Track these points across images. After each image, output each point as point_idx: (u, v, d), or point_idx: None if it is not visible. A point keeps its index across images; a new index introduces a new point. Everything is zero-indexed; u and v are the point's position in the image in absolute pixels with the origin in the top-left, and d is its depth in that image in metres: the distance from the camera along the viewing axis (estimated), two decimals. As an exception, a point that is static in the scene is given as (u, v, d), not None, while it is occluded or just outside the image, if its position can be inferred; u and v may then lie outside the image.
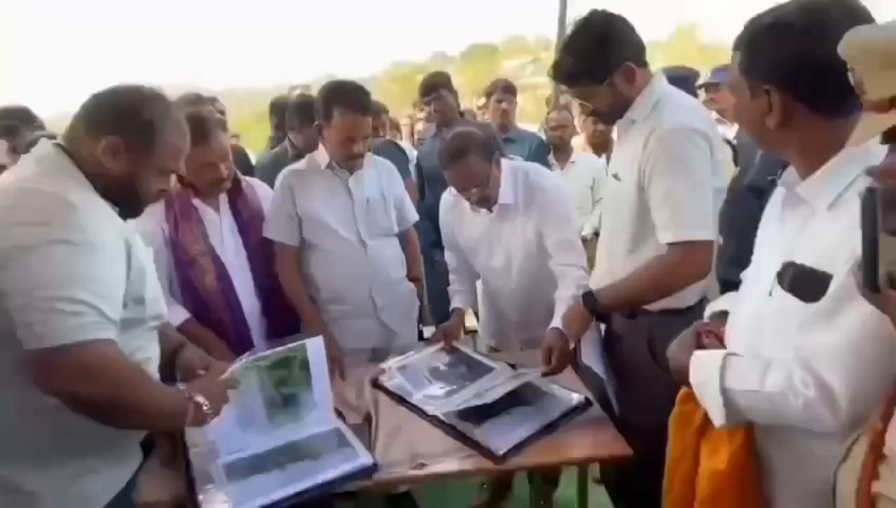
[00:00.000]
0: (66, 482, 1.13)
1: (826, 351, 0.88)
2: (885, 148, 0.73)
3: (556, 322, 1.75)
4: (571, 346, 1.73)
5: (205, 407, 1.21)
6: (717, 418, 1.02)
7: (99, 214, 1.11)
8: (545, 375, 1.69)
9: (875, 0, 0.99)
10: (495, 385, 1.76)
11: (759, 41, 0.96)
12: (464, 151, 1.81)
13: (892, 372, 0.79)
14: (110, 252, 1.10)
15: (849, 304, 0.86)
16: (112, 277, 1.10)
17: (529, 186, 1.93)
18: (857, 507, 0.77)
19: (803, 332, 0.92)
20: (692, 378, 1.07)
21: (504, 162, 1.94)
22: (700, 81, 3.10)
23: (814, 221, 0.96)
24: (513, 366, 1.88)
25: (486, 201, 1.91)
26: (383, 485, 1.45)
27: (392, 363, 1.94)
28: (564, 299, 1.81)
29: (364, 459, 1.42)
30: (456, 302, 2.16)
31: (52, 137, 1.20)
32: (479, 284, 2.24)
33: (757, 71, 0.97)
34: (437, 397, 1.75)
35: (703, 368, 1.05)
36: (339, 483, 1.36)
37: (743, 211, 1.59)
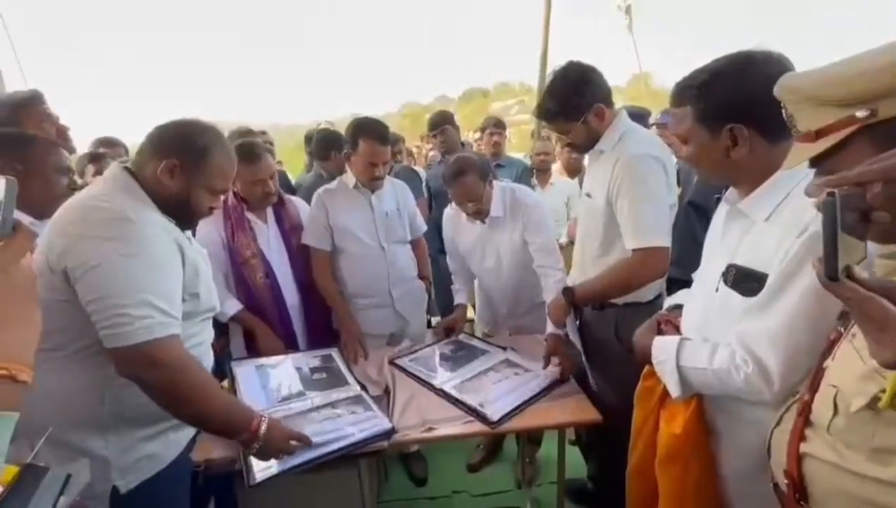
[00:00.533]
0: (134, 446, 1.10)
1: (762, 335, 0.88)
2: (807, 169, 0.73)
3: (552, 329, 1.73)
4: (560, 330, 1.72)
5: (263, 427, 1.14)
6: (674, 390, 1.02)
7: (154, 226, 1.07)
8: (561, 380, 1.65)
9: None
10: (489, 365, 1.77)
11: (709, 93, 0.92)
12: (464, 171, 1.82)
13: (818, 353, 0.78)
14: (166, 258, 1.07)
15: (781, 297, 0.86)
16: (169, 279, 1.07)
17: (515, 202, 1.93)
18: (787, 464, 0.76)
19: (744, 320, 0.92)
20: (653, 358, 1.07)
21: (495, 183, 1.94)
22: (651, 121, 3.08)
23: (752, 231, 0.95)
24: (503, 348, 1.89)
25: (479, 213, 1.91)
26: (399, 445, 1.43)
27: (405, 351, 1.94)
28: (546, 288, 1.85)
29: (384, 424, 1.41)
30: (458, 299, 2.16)
31: (122, 162, 1.17)
32: (475, 282, 2.24)
33: (715, 115, 0.92)
34: (444, 373, 1.74)
35: (662, 349, 1.05)
36: (363, 444, 1.34)
37: (683, 222, 1.58)
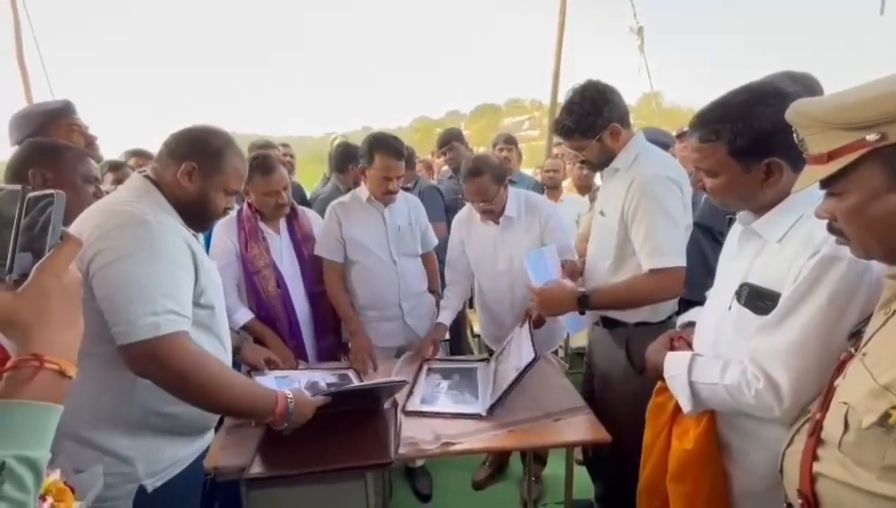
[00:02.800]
0: (161, 447, 1.13)
1: (773, 352, 0.89)
2: (820, 192, 0.75)
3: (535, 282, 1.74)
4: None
5: (291, 405, 1.19)
6: (686, 405, 1.03)
7: (169, 228, 1.10)
8: (535, 357, 1.58)
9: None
10: (493, 374, 1.76)
11: (747, 130, 0.92)
12: (480, 172, 1.87)
13: (829, 372, 0.79)
14: (177, 259, 1.09)
15: (792, 316, 0.87)
16: (178, 279, 1.09)
17: (530, 205, 2.00)
18: (800, 484, 0.76)
19: (756, 337, 0.93)
20: (665, 373, 1.08)
21: (510, 188, 2.01)
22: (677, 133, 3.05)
23: (765, 251, 0.97)
24: (487, 358, 1.93)
25: (489, 213, 1.95)
26: (407, 458, 1.43)
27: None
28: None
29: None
30: (442, 317, 2.08)
31: (141, 171, 1.22)
32: (478, 300, 2.21)
33: (751, 151, 0.93)
34: (470, 402, 1.65)
35: (674, 364, 1.06)
36: (378, 390, 1.42)
37: (692, 243, 1.60)
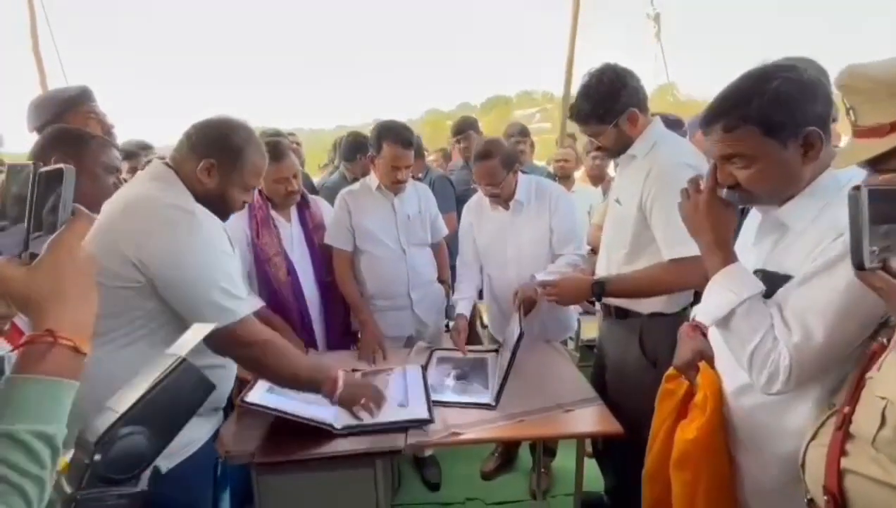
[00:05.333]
0: None
1: (785, 325, 0.86)
2: (848, 177, 0.72)
3: (541, 276, 1.75)
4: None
5: (340, 383, 1.31)
6: (706, 318, 1.02)
7: (211, 218, 1.16)
8: (521, 334, 1.59)
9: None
10: (502, 363, 1.73)
11: (779, 103, 0.85)
12: (490, 155, 1.86)
13: (840, 357, 0.77)
14: (227, 249, 1.17)
15: (807, 292, 0.84)
16: (233, 266, 1.18)
17: (539, 189, 2.00)
18: (826, 480, 0.74)
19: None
20: (721, 276, 0.94)
21: (521, 175, 2.00)
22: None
23: (786, 239, 0.94)
24: (496, 350, 1.92)
25: (496, 197, 1.95)
26: (416, 447, 1.43)
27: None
28: (558, 263, 1.88)
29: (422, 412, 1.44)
30: (460, 308, 2.08)
31: (161, 158, 1.24)
32: (486, 290, 2.20)
33: (788, 125, 0.86)
34: (480, 392, 1.65)
35: (744, 285, 0.92)
36: (398, 426, 1.39)
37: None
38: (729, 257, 0.95)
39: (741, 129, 0.88)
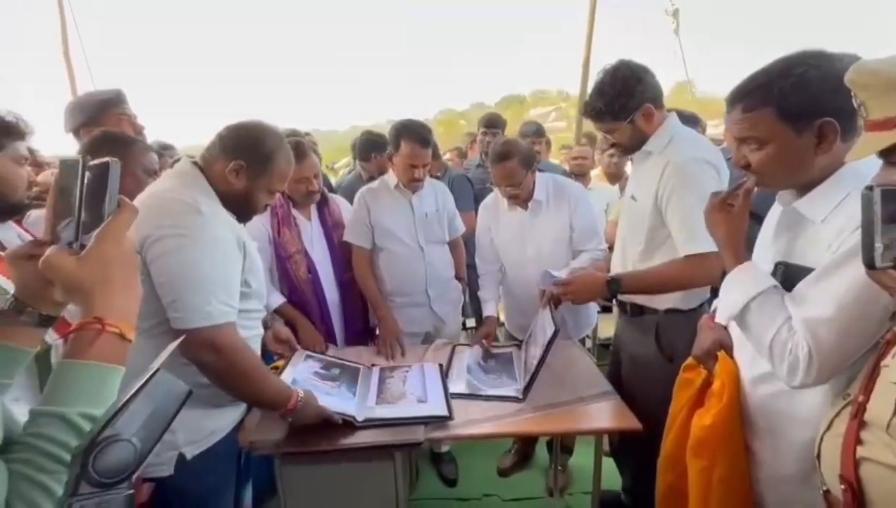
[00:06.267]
0: (198, 419, 1.19)
1: (806, 321, 0.85)
2: (869, 169, 0.72)
3: (554, 274, 1.75)
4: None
5: (299, 402, 1.28)
6: (722, 317, 1.02)
7: (221, 220, 1.18)
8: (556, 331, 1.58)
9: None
10: (523, 358, 1.78)
11: (799, 88, 0.87)
12: (508, 155, 1.87)
13: (863, 348, 0.77)
14: (229, 252, 1.17)
15: (828, 286, 0.84)
16: (230, 271, 1.16)
17: (557, 188, 2.00)
18: (843, 469, 0.74)
19: (790, 304, 0.90)
20: (731, 275, 0.99)
21: (538, 174, 2.01)
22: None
23: (807, 232, 0.94)
24: (518, 345, 1.93)
25: (516, 198, 1.96)
26: (436, 441, 1.45)
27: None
28: (581, 259, 1.89)
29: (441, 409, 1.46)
30: (487, 310, 2.09)
31: (191, 157, 1.27)
32: (502, 288, 2.22)
33: (804, 111, 0.88)
34: (505, 385, 1.67)
35: (749, 279, 0.96)
36: (418, 420, 1.41)
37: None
38: (741, 257, 0.98)
39: (758, 111, 0.91)
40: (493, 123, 3.16)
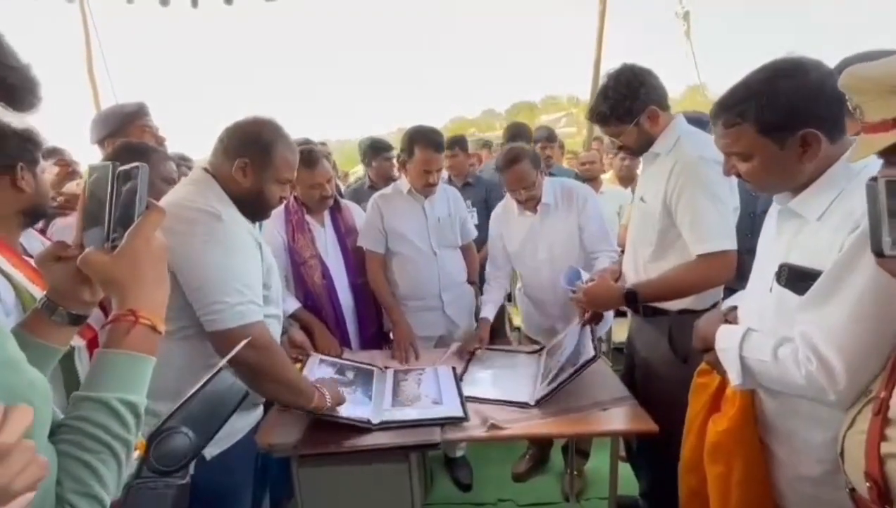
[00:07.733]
0: None
1: (824, 332, 0.85)
2: (861, 165, 0.73)
3: (567, 283, 1.76)
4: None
5: (327, 397, 1.33)
6: (734, 379, 1.00)
7: (238, 223, 1.22)
8: (594, 356, 1.58)
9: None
10: (543, 366, 1.76)
11: (774, 103, 0.90)
12: (518, 158, 1.90)
13: (886, 348, 0.76)
14: (250, 252, 1.21)
15: (840, 292, 0.84)
16: (253, 271, 1.21)
17: (566, 190, 2.02)
18: (867, 466, 0.74)
19: (801, 315, 0.89)
20: (717, 344, 1.05)
21: (546, 178, 2.04)
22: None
23: (805, 230, 0.95)
24: (538, 350, 1.93)
25: (532, 200, 1.98)
26: (452, 442, 1.46)
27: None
28: (600, 265, 1.90)
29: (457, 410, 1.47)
30: (485, 312, 2.08)
31: (203, 166, 1.32)
32: (520, 290, 2.24)
33: (783, 125, 0.91)
34: (519, 391, 1.65)
35: (727, 337, 1.03)
36: (434, 422, 1.43)
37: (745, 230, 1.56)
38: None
39: (738, 127, 0.94)
40: (514, 136, 3.18)
